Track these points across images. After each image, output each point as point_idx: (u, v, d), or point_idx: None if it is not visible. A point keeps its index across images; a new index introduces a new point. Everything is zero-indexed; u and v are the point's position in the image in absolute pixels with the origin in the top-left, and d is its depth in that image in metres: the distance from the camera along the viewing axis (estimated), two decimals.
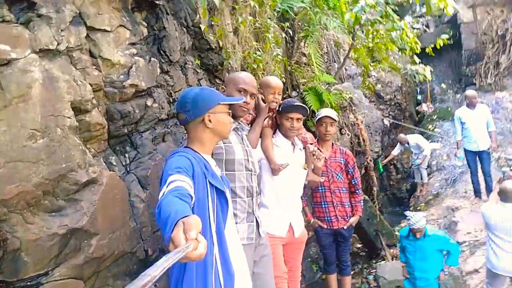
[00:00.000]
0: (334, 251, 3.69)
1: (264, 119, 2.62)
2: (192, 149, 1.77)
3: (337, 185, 3.55)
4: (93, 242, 1.83)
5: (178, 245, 1.01)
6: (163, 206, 1.27)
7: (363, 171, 6.15)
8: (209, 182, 1.64)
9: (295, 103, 2.74)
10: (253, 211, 2.12)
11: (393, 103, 9.78)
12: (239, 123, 2.25)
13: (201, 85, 3.26)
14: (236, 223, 2.00)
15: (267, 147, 2.59)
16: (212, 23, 3.21)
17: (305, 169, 2.82)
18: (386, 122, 8.80)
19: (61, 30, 1.91)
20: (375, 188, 6.34)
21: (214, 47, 3.26)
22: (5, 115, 1.59)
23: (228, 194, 1.76)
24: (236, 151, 2.08)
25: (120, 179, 2.09)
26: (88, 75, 2.04)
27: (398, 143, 8.42)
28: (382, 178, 8.78)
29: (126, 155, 2.30)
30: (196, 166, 1.62)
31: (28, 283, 1.63)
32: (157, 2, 2.68)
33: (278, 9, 4.79)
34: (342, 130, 5.93)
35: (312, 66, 6.15)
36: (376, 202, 6.27)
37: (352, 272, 4.49)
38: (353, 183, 3.66)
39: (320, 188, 3.54)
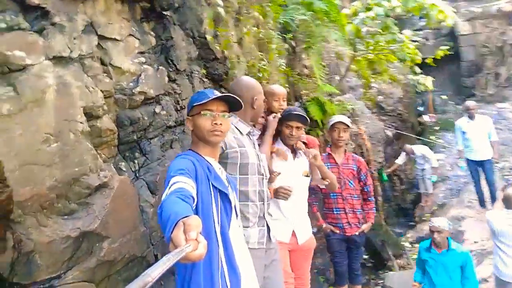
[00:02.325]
0: (346, 260, 3.57)
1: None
2: (195, 152, 1.78)
3: (349, 192, 3.52)
4: (105, 246, 1.84)
5: (178, 245, 1.00)
6: (165, 207, 1.28)
7: None
8: (212, 185, 1.65)
9: (295, 112, 2.70)
10: (264, 215, 2.12)
11: (394, 114, 9.81)
12: (251, 128, 2.26)
13: None
14: (247, 227, 2.00)
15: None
16: (217, 33, 3.28)
17: (307, 176, 2.82)
18: (388, 133, 8.81)
19: (74, 38, 1.96)
20: (379, 198, 6.33)
21: (219, 57, 3.31)
22: (21, 119, 1.62)
23: (231, 196, 1.74)
24: (250, 155, 2.09)
25: (130, 183, 2.11)
26: (100, 82, 2.08)
27: (403, 152, 8.38)
28: (385, 189, 8.72)
29: (135, 161, 2.33)
30: (199, 168, 1.62)
31: (41, 286, 1.63)
32: (164, 13, 2.75)
33: (281, 21, 4.87)
34: None
35: (314, 78, 6.22)
36: (381, 212, 6.25)
37: None
38: (366, 190, 3.63)
39: (332, 194, 3.50)
